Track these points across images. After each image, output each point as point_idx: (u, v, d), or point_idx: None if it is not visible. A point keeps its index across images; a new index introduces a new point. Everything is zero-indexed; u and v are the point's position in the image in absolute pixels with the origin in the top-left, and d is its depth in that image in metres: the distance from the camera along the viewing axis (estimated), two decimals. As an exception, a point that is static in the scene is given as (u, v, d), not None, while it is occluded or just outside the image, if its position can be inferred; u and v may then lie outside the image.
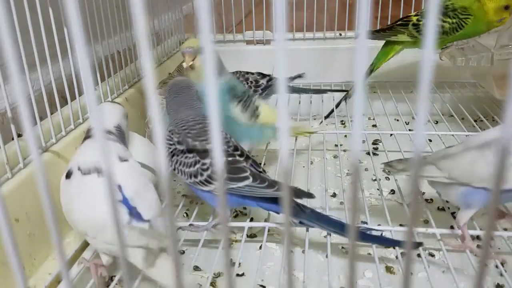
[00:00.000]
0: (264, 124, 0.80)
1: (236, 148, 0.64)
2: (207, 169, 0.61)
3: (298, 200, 0.62)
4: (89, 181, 0.53)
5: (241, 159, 0.63)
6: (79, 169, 0.55)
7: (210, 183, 0.61)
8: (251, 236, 0.71)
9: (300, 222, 0.61)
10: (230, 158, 0.62)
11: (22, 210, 0.58)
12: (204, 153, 0.62)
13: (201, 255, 0.65)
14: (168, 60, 1.15)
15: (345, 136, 1.02)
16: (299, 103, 1.15)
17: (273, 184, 0.60)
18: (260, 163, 0.86)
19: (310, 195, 0.60)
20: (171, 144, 0.64)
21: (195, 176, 0.62)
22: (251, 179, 0.60)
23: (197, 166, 0.62)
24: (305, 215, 0.60)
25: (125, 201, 0.53)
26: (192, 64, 0.74)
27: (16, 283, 0.23)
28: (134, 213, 0.53)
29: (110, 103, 0.66)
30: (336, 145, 0.96)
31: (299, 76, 1.11)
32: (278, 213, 0.63)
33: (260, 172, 0.63)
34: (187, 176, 0.62)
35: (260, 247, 0.63)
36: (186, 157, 0.63)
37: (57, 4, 0.66)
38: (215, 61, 0.72)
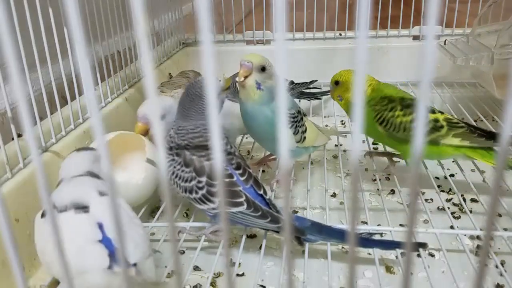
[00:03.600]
0: (307, 145, 0.76)
1: (238, 166, 0.62)
2: (202, 187, 0.59)
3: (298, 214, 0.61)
4: (65, 219, 0.48)
5: (242, 178, 0.61)
6: (54, 207, 0.49)
7: (204, 202, 0.60)
8: (251, 236, 0.71)
9: (301, 241, 0.60)
10: (227, 180, 0.59)
11: (22, 210, 0.57)
12: (200, 169, 0.60)
13: (201, 255, 0.65)
14: (168, 60, 1.15)
15: (345, 136, 1.02)
16: (299, 101, 1.15)
17: (266, 214, 0.59)
18: (263, 171, 0.87)
19: (302, 232, 0.59)
20: (169, 154, 0.63)
21: (190, 192, 0.60)
22: (245, 205, 0.58)
23: (193, 182, 0.60)
24: (306, 230, 0.59)
25: (106, 241, 0.47)
26: (244, 81, 0.67)
27: (16, 283, 0.23)
28: (118, 256, 0.46)
29: (77, 152, 0.57)
30: (336, 145, 0.96)
31: (314, 81, 1.12)
32: (277, 232, 0.61)
33: (260, 194, 0.61)
34: (183, 190, 0.61)
35: (260, 247, 0.63)
36: (183, 171, 0.61)
37: (57, 4, 0.66)
38: (273, 81, 0.69)
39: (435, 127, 0.72)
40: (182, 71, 1.01)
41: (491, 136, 0.72)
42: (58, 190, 0.52)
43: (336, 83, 0.78)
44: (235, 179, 0.60)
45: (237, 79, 0.68)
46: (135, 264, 0.47)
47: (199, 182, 0.59)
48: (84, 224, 0.48)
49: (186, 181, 0.60)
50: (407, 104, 0.73)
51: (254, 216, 0.58)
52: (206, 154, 0.61)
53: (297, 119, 0.73)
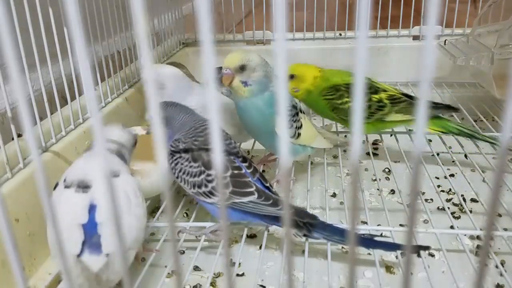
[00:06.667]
0: (302, 143, 0.77)
1: (244, 160, 0.62)
2: (212, 180, 0.60)
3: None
4: (65, 195, 0.49)
5: (249, 171, 0.61)
6: (64, 180, 0.51)
7: (214, 195, 0.60)
8: (251, 236, 0.71)
9: (305, 235, 0.61)
10: (236, 171, 0.60)
11: (22, 210, 0.57)
12: (209, 163, 0.60)
13: (201, 255, 0.65)
14: (168, 60, 1.15)
15: (345, 136, 1.02)
16: (299, 100, 1.15)
17: (277, 202, 0.59)
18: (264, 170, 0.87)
19: (313, 217, 0.59)
20: (175, 152, 0.63)
21: (199, 187, 0.60)
22: (256, 195, 0.59)
23: (202, 176, 0.60)
24: (310, 227, 0.59)
25: (90, 225, 0.46)
26: (230, 85, 0.70)
27: (16, 283, 0.23)
28: (94, 243, 0.46)
29: (117, 127, 0.61)
30: (336, 145, 0.96)
31: None
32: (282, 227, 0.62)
33: (267, 187, 0.61)
34: (190, 186, 0.61)
35: (260, 247, 0.63)
36: (191, 166, 0.61)
37: (57, 4, 0.66)
38: (265, 70, 0.70)
39: (378, 107, 0.82)
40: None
41: (433, 105, 0.84)
42: (75, 165, 0.53)
43: (291, 76, 0.84)
44: (243, 171, 0.61)
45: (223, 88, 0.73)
46: (107, 255, 0.46)
47: (208, 175, 0.60)
48: (75, 205, 0.47)
49: (194, 176, 0.60)
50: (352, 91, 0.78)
51: (266, 205, 0.59)
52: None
53: (292, 113, 0.73)
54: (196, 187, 0.61)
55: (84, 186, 0.49)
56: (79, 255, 0.45)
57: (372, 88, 0.83)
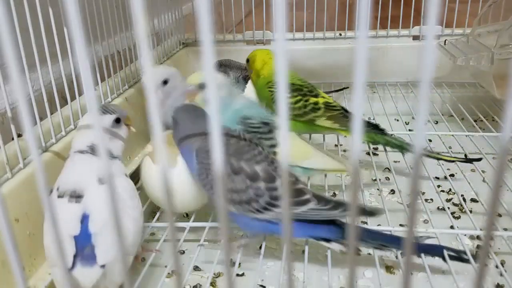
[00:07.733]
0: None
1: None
2: (262, 195, 0.53)
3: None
4: (58, 206, 0.48)
5: (293, 179, 0.56)
6: (57, 189, 0.50)
7: (267, 209, 0.53)
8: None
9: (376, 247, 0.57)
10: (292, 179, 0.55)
11: (22, 210, 0.57)
12: (255, 174, 0.53)
13: (201, 255, 0.65)
14: (168, 60, 1.15)
15: (345, 136, 1.02)
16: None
17: (337, 205, 0.54)
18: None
19: (371, 214, 0.56)
20: (206, 164, 0.55)
21: (248, 203, 0.53)
22: (315, 201, 0.53)
23: (250, 191, 0.53)
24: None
25: (83, 236, 0.45)
26: (193, 101, 0.71)
27: (16, 283, 0.23)
28: (87, 254, 0.44)
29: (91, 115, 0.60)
30: (336, 145, 0.96)
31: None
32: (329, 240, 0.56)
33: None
34: (232, 203, 0.53)
35: (260, 247, 0.63)
36: (232, 181, 0.53)
37: (57, 4, 0.66)
38: (226, 89, 0.70)
39: (313, 109, 0.83)
40: None
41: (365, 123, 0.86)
42: (68, 171, 0.52)
43: (247, 60, 0.94)
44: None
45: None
46: (103, 266, 0.44)
47: (257, 189, 0.53)
48: (68, 215, 0.46)
49: (239, 192, 0.53)
50: (294, 89, 0.85)
51: (327, 209, 0.53)
52: (252, 156, 0.55)
53: (262, 130, 0.68)
54: (243, 204, 0.53)
55: (77, 196, 0.48)
56: (71, 269, 0.44)
57: (313, 92, 0.86)
